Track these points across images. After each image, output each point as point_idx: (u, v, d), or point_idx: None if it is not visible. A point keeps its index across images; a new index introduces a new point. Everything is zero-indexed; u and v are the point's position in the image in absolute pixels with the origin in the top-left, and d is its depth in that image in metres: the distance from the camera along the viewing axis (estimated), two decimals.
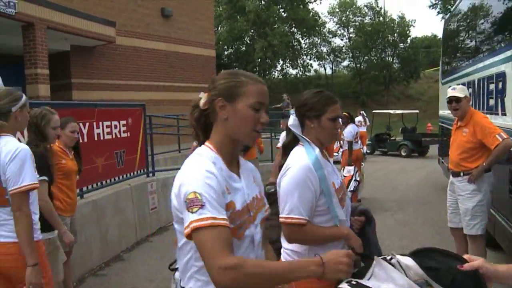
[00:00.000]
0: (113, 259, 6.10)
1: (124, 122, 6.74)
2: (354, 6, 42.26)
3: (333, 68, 45.68)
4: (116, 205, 6.36)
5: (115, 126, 6.52)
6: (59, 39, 11.42)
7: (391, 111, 20.35)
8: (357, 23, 42.73)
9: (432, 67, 43.66)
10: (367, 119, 21.93)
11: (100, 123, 6.08)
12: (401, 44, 40.81)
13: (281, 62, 39.80)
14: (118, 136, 6.59)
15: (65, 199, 4.27)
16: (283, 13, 36.18)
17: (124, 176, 6.80)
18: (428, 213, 8.30)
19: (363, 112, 22.29)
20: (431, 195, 10.06)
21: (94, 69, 13.33)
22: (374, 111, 21.82)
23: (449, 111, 5.49)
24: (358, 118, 20.78)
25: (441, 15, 47.95)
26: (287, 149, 2.41)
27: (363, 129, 20.52)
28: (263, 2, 35.87)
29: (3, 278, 2.73)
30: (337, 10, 42.96)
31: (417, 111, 22.29)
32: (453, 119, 5.29)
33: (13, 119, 2.79)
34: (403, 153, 18.63)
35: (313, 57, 42.22)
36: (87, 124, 5.72)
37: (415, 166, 15.78)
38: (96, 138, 5.94)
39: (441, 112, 11.34)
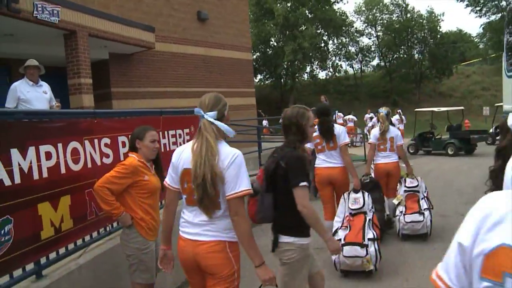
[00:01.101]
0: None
1: (187, 130, 6.18)
2: (381, 4, 41.36)
3: (362, 68, 44.80)
4: None
5: (179, 135, 5.95)
6: (98, 47, 10.97)
7: (435, 109, 19.50)
8: (384, 21, 41.85)
9: (461, 62, 42.54)
10: (403, 117, 21.32)
11: (166, 132, 5.53)
12: (431, 40, 39.70)
13: (310, 64, 39.09)
14: None
15: (150, 221, 3.70)
16: (309, 15, 35.49)
17: None
18: None
19: (400, 110, 21.68)
20: None
21: (132, 77, 12.86)
22: (416, 109, 20.97)
23: None
24: (396, 117, 20.27)
25: (469, 8, 46.90)
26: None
27: (401, 127, 20.00)
28: (289, 4, 35.17)
29: (201, 273, 2.81)
30: (364, 8, 42.19)
31: (462, 107, 21.39)
32: None
33: (224, 122, 2.82)
34: (449, 152, 17.78)
35: (342, 57, 41.48)
36: None
37: (468, 165, 14.91)
38: (162, 150, 5.37)
39: (506, 107, 10.54)
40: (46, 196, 3.39)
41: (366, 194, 5.74)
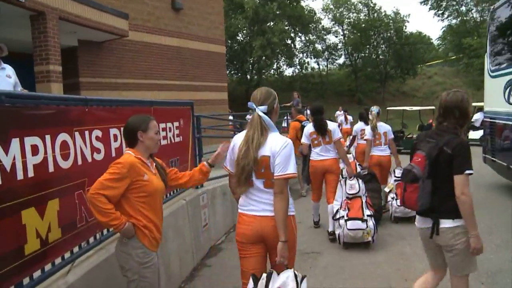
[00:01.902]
0: None
1: (177, 124, 5.56)
2: (348, 3, 41.36)
3: (328, 65, 44.77)
4: (176, 226, 5.17)
5: (169, 129, 5.33)
6: (67, 33, 10.13)
7: (407, 108, 19.41)
8: (351, 20, 41.91)
9: (424, 63, 43.19)
10: (349, 117, 21.10)
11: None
12: (397, 40, 39.97)
13: (277, 60, 38.62)
14: (173, 141, 5.40)
15: (152, 229, 3.10)
16: (277, 11, 34.97)
17: (178, 189, 5.61)
18: (498, 219, 7.25)
19: (344, 111, 21.49)
20: (489, 198, 9.04)
21: (102, 67, 12.03)
22: (388, 108, 20.83)
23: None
24: (341, 118, 20.17)
25: (433, 11, 47.77)
26: None
27: (348, 126, 19.80)
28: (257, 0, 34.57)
29: (264, 244, 3.14)
30: (331, 6, 42.10)
31: (433, 107, 21.40)
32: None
33: (274, 114, 3.26)
34: None
35: (309, 54, 41.27)
36: None
37: None
38: None
39: (488, 108, 10.37)
40: (32, 201, 2.74)
41: (360, 180, 6.59)
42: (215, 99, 16.17)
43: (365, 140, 8.04)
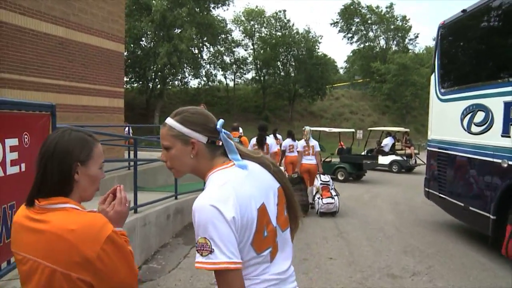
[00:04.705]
0: None
1: (13, 142, 3.09)
2: (262, 16, 40.06)
3: (235, 80, 43.09)
4: None
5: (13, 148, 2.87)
6: None
7: (326, 129, 17.93)
8: (263, 34, 40.66)
9: (332, 84, 43.28)
10: (279, 137, 19.55)
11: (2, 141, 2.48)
12: (308, 60, 39.31)
13: (183, 70, 36.01)
14: (5, 172, 2.94)
15: None
16: (185, 18, 32.49)
17: None
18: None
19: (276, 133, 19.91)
20: (449, 240, 7.44)
21: None
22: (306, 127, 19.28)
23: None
24: (270, 140, 18.37)
25: (342, 34, 48.46)
26: None
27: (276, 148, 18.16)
28: (165, 3, 31.81)
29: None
30: (243, 18, 40.59)
31: (353, 130, 20.25)
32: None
33: None
34: (340, 177, 16.24)
35: (217, 66, 39.23)
36: None
37: (370, 193, 13.36)
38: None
39: (436, 137, 8.89)
40: None
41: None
42: (107, 106, 13.44)
43: (297, 151, 10.44)
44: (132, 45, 32.74)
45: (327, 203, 9.74)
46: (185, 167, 1.78)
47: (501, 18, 7.03)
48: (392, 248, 7.28)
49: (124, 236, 1.64)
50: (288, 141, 11.04)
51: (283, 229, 1.81)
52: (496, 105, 6.53)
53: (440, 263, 6.52)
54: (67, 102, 11.62)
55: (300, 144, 10.33)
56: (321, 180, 10.25)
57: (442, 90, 8.54)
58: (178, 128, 1.72)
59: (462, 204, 7.42)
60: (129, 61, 33.16)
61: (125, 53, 34.03)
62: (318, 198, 9.90)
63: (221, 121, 1.79)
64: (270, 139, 9.61)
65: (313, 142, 10.32)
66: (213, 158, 1.76)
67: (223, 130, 1.78)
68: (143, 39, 34.13)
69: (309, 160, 10.22)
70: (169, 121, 1.76)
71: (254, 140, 9.53)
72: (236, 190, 1.59)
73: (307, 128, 10.64)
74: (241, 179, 1.67)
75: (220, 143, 1.78)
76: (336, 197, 9.87)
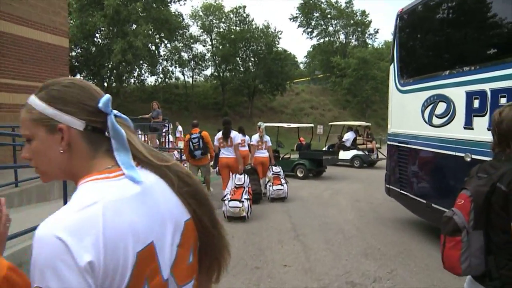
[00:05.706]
0: None
1: None
2: (220, 11, 39.27)
3: (194, 76, 42.21)
4: None
5: None
6: None
7: (285, 125, 17.35)
8: (221, 30, 39.92)
9: (292, 80, 43.04)
10: (246, 137, 19.18)
11: None
12: (267, 55, 38.83)
13: (139, 67, 34.89)
14: None
15: None
16: (140, 13, 31.40)
17: None
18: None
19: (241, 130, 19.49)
20: (412, 239, 7.00)
21: None
22: (264, 124, 18.75)
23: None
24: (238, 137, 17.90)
25: (302, 29, 48.26)
26: None
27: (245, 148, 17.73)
28: None
29: None
30: (201, 13, 39.72)
31: (312, 125, 19.81)
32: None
33: None
34: (299, 174, 15.78)
35: (174, 63, 38.22)
36: None
37: (330, 191, 12.90)
38: None
39: (396, 130, 8.45)
40: None
41: (246, 176, 9.76)
42: None
43: (250, 145, 11.58)
44: (85, 42, 31.49)
45: (277, 189, 10.97)
46: (53, 168, 1.16)
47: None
48: (352, 251, 6.79)
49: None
50: (240, 136, 11.23)
51: (182, 282, 1.18)
52: (458, 96, 6.11)
53: (402, 266, 6.07)
54: (3, 102, 10.68)
55: (254, 138, 11.43)
56: (273, 171, 11.50)
57: (402, 81, 8.11)
58: (40, 109, 1.13)
59: (425, 201, 7.01)
60: (81, 58, 31.87)
61: (78, 50, 32.95)
62: (270, 186, 11.17)
63: (107, 96, 1.17)
64: (233, 132, 10.11)
65: (266, 138, 11.47)
66: (93, 157, 1.15)
67: (114, 111, 1.17)
68: (96, 35, 32.89)
69: (263, 154, 11.38)
70: (30, 99, 1.16)
71: (220, 134, 10.04)
72: (106, 218, 0.98)
73: (262, 124, 11.60)
74: (122, 202, 1.04)
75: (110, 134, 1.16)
76: (285, 185, 11.13)
